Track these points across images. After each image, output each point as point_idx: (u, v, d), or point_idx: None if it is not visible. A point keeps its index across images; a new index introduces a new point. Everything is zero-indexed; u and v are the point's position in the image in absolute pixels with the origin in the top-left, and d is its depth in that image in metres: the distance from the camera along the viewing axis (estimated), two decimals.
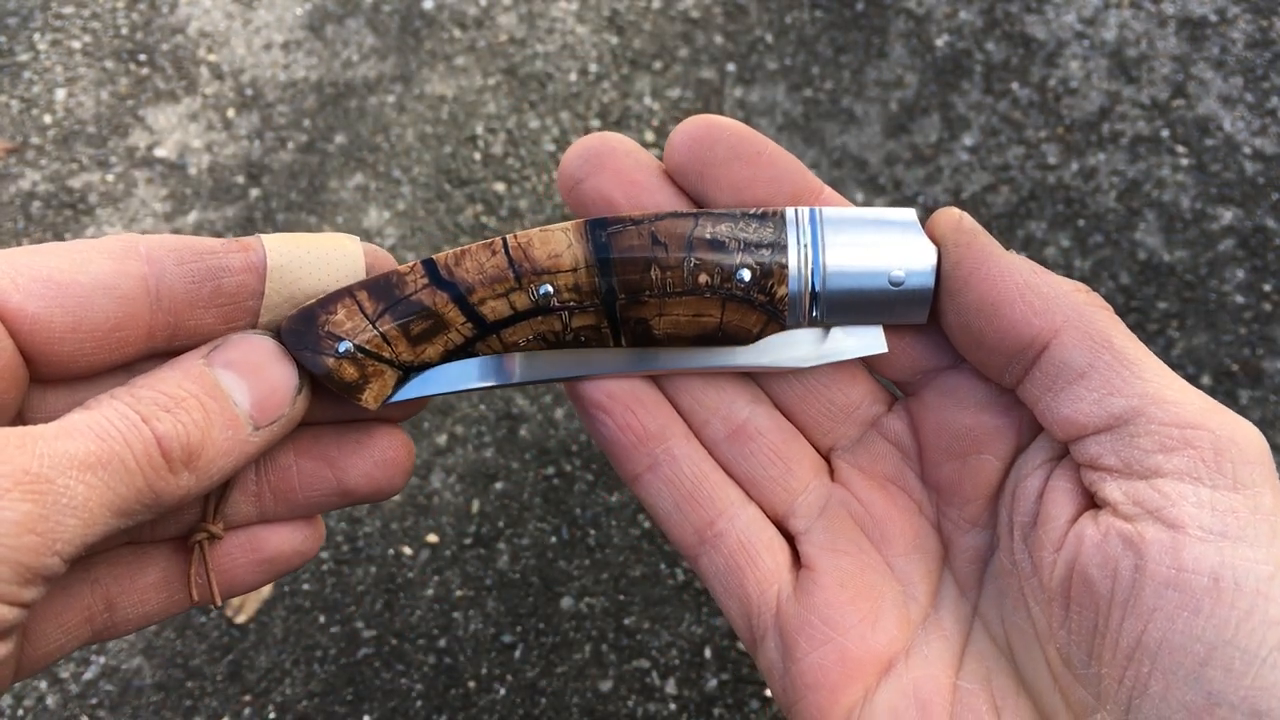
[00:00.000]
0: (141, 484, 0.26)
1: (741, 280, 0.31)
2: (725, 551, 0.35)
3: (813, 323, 0.33)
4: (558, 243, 0.31)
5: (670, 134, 0.34)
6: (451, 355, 0.32)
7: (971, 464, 0.34)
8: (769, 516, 0.36)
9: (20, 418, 0.30)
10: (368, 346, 0.31)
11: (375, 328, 0.31)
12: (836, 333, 0.33)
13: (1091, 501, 0.29)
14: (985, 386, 0.33)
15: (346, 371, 0.31)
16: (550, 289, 0.32)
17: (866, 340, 0.33)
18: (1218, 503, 0.27)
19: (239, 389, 0.29)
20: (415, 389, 0.33)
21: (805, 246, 0.32)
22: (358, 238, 0.33)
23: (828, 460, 0.37)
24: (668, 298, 0.32)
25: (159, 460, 0.27)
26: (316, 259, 0.32)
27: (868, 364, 0.36)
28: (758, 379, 0.36)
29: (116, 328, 0.29)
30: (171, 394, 0.28)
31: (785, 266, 0.31)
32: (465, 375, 0.33)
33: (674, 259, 0.31)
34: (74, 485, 0.24)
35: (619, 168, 0.33)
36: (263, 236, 0.32)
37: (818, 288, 0.32)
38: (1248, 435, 0.27)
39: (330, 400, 0.33)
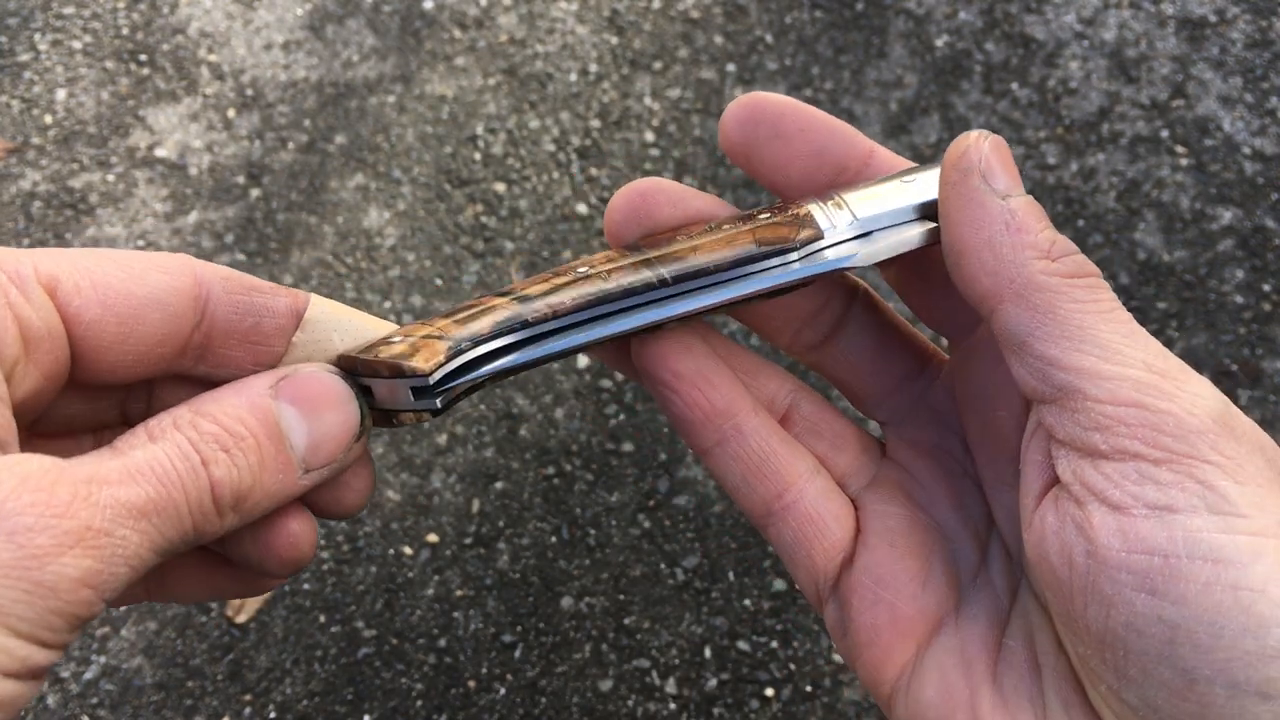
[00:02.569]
0: (188, 527, 0.26)
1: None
2: (794, 524, 0.35)
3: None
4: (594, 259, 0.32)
5: (722, 115, 0.34)
6: (501, 327, 0.31)
7: (993, 421, 0.33)
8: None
9: (42, 416, 0.30)
10: (415, 331, 0.31)
11: (425, 325, 0.31)
12: (879, 234, 0.32)
13: (1056, 475, 0.29)
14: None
15: (395, 347, 0.30)
16: (587, 268, 0.32)
17: (910, 233, 0.32)
18: (1159, 477, 0.26)
19: (298, 429, 0.29)
20: (466, 373, 0.31)
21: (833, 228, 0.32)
22: (398, 328, 0.33)
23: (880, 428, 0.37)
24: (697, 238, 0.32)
25: (209, 505, 0.26)
26: (352, 329, 0.32)
27: (915, 318, 0.35)
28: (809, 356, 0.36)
29: (160, 343, 0.29)
30: (232, 430, 0.27)
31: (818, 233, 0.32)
32: (512, 351, 0.32)
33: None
34: (130, 535, 0.24)
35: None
36: (314, 296, 0.32)
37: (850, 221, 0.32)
38: (1186, 405, 0.27)
39: None
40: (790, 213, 0.32)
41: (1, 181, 1.24)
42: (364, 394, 0.31)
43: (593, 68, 1.34)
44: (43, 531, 0.23)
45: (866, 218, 0.31)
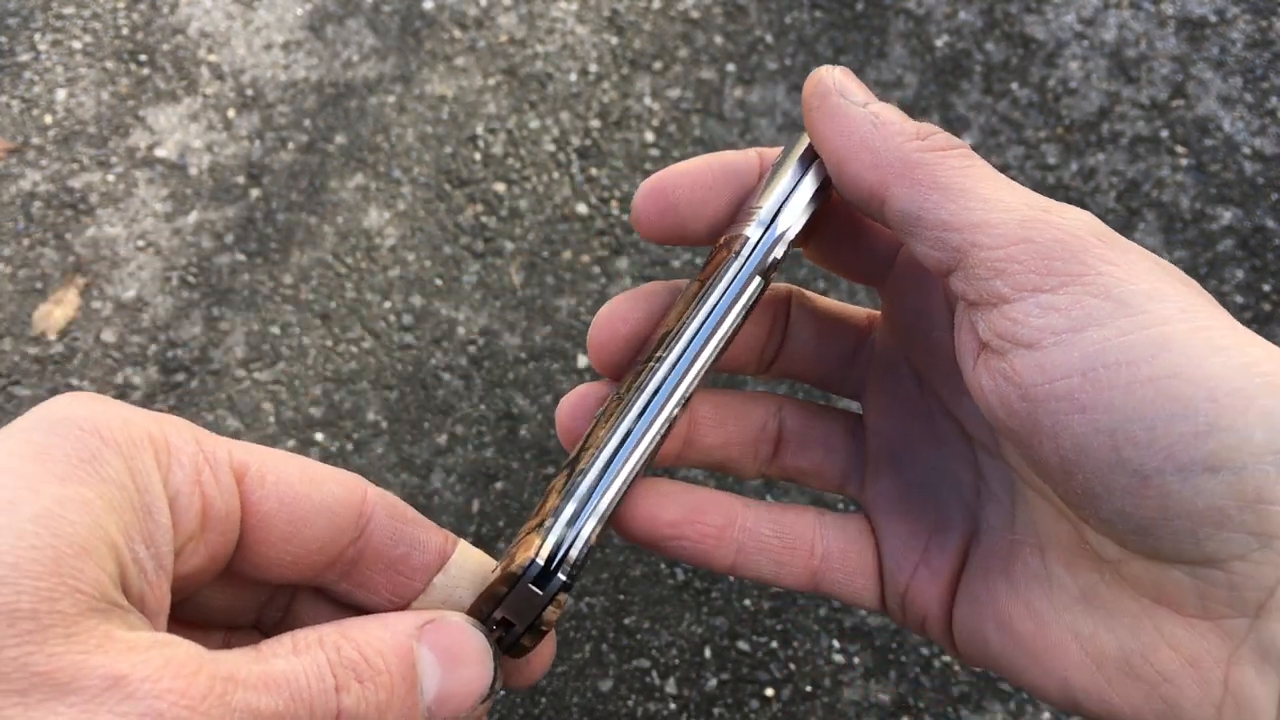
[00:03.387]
0: None
1: None
2: (836, 574, 0.37)
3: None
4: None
5: (633, 208, 0.35)
6: (566, 493, 0.32)
7: (933, 342, 0.35)
8: (831, 489, 0.39)
9: (186, 599, 0.31)
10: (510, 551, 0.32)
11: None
12: (785, 206, 0.34)
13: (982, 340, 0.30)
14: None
15: (501, 567, 0.31)
16: (601, 409, 0.34)
17: (805, 185, 0.34)
18: (1059, 304, 0.27)
19: (432, 676, 0.29)
20: (566, 543, 0.32)
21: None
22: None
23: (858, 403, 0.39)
24: None
25: None
26: (485, 580, 0.32)
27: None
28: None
29: (318, 550, 0.30)
30: (372, 661, 0.28)
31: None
32: (588, 501, 0.33)
33: None
34: None
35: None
36: (462, 542, 0.33)
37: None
38: (1071, 228, 0.28)
39: None
40: (718, 244, 0.34)
41: (1, 181, 1.24)
42: (501, 634, 0.31)
43: (593, 68, 1.34)
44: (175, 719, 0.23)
45: (769, 203, 0.33)
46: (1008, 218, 0.28)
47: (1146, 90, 1.34)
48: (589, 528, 0.31)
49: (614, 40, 1.36)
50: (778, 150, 0.35)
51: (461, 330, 1.17)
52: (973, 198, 0.29)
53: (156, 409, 0.95)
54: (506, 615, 0.31)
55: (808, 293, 0.38)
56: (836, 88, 0.32)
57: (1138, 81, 1.34)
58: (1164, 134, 1.30)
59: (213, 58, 1.34)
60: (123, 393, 1.13)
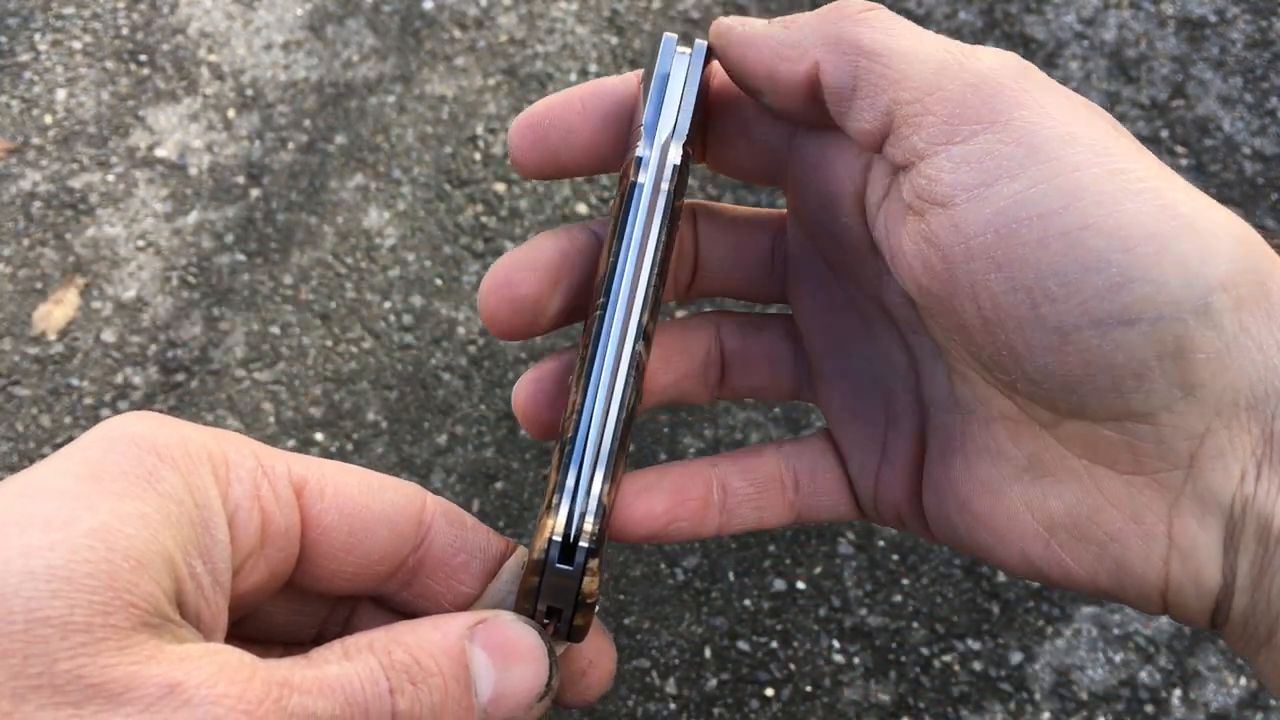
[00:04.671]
0: None
1: None
2: (811, 500, 0.36)
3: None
4: None
5: (509, 146, 0.34)
6: (564, 456, 0.32)
7: (843, 230, 0.34)
8: (787, 398, 0.38)
9: (249, 616, 0.30)
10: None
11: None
12: (664, 109, 0.33)
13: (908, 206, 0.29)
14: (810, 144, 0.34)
15: (593, 581, 0.31)
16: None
17: (678, 73, 0.33)
18: (970, 154, 0.26)
19: (486, 677, 0.28)
20: (579, 509, 0.32)
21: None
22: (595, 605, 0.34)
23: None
24: None
25: None
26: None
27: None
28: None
29: (379, 560, 0.30)
30: (423, 663, 0.27)
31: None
32: (585, 457, 0.33)
33: None
34: None
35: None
36: (520, 547, 0.33)
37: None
38: (984, 71, 0.27)
39: None
40: (621, 174, 0.33)
41: (1, 181, 1.24)
42: (555, 624, 0.31)
43: (593, 68, 1.34)
44: None
45: (649, 115, 0.32)
46: (923, 68, 0.27)
47: (1146, 90, 1.34)
48: (597, 487, 0.31)
49: (614, 40, 1.36)
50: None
51: (461, 330, 1.17)
52: (895, 55, 0.28)
53: (156, 409, 0.95)
54: (551, 604, 0.30)
55: (711, 204, 0.37)
56: (738, 22, 0.31)
57: (1138, 81, 1.34)
58: (1164, 134, 1.30)
59: (213, 58, 1.34)
60: (122, 393, 1.13)
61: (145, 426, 0.26)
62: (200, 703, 0.23)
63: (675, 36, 0.33)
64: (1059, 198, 0.25)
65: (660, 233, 0.32)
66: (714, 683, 0.99)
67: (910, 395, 0.34)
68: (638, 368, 0.31)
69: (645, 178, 0.32)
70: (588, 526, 0.30)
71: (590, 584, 0.30)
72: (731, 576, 1.03)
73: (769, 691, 0.98)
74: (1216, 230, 0.24)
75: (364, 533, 0.29)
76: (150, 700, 0.23)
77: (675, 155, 0.32)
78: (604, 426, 0.31)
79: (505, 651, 0.29)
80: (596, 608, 0.31)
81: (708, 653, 1.00)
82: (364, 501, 0.30)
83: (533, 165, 0.33)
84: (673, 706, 0.98)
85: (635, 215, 0.32)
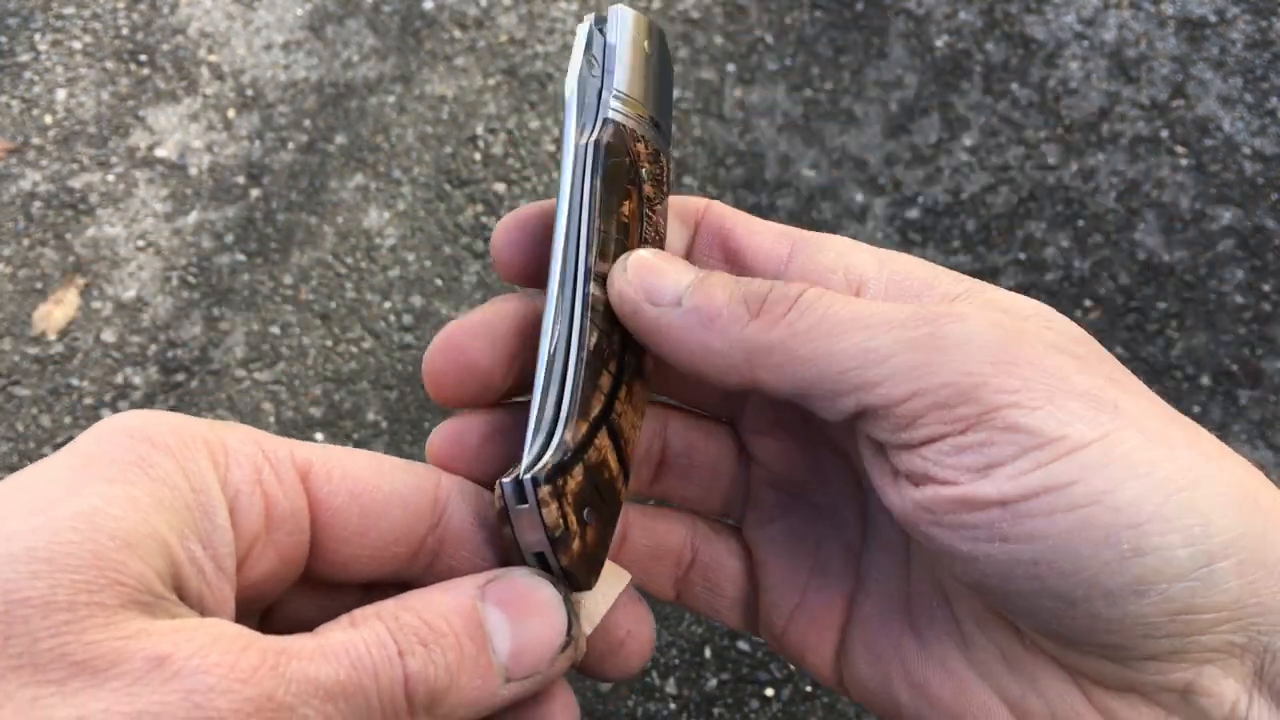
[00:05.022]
0: (376, 718, 0.25)
1: None
2: (698, 589, 0.36)
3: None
4: None
5: (492, 246, 0.33)
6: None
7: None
8: (711, 514, 0.37)
9: (271, 609, 0.30)
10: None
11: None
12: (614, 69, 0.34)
13: (893, 465, 0.29)
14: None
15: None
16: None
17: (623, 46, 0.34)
18: (968, 444, 0.26)
19: (501, 633, 0.28)
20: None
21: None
22: (629, 576, 0.33)
23: (739, 440, 0.37)
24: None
25: (401, 700, 0.26)
26: None
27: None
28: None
29: (396, 541, 0.29)
30: (434, 625, 0.27)
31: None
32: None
33: None
34: (312, 715, 0.24)
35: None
36: None
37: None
38: (959, 366, 0.26)
39: None
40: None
41: (1, 181, 1.24)
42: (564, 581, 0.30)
43: None
44: (223, 694, 0.22)
45: (585, 81, 0.33)
46: (888, 370, 0.27)
47: (1146, 90, 1.34)
48: (549, 426, 0.30)
49: None
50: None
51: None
52: (841, 358, 0.27)
53: (156, 409, 0.94)
54: (540, 552, 0.30)
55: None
56: (643, 295, 0.30)
57: (1138, 81, 1.34)
58: (1164, 134, 1.30)
59: (213, 58, 1.34)
60: (122, 392, 1.13)
61: (140, 419, 0.26)
62: (190, 673, 0.22)
63: (590, 22, 0.33)
64: (1068, 476, 0.25)
65: (590, 179, 0.32)
66: (714, 683, 0.99)
67: (849, 555, 0.34)
68: (592, 309, 0.31)
69: (582, 137, 0.32)
70: (544, 459, 0.29)
71: (550, 515, 0.29)
72: None
73: (769, 691, 0.98)
74: (1215, 499, 0.25)
75: (377, 514, 0.29)
76: (138, 674, 0.22)
77: (606, 109, 0.32)
78: (562, 371, 0.30)
79: (519, 605, 0.28)
80: (579, 545, 0.30)
81: (708, 653, 1.00)
82: (374, 483, 0.29)
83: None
84: (673, 706, 0.97)
85: (568, 171, 0.32)
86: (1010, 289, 0.31)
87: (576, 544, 0.30)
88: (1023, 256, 1.21)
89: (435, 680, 0.26)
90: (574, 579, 0.30)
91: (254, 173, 1.26)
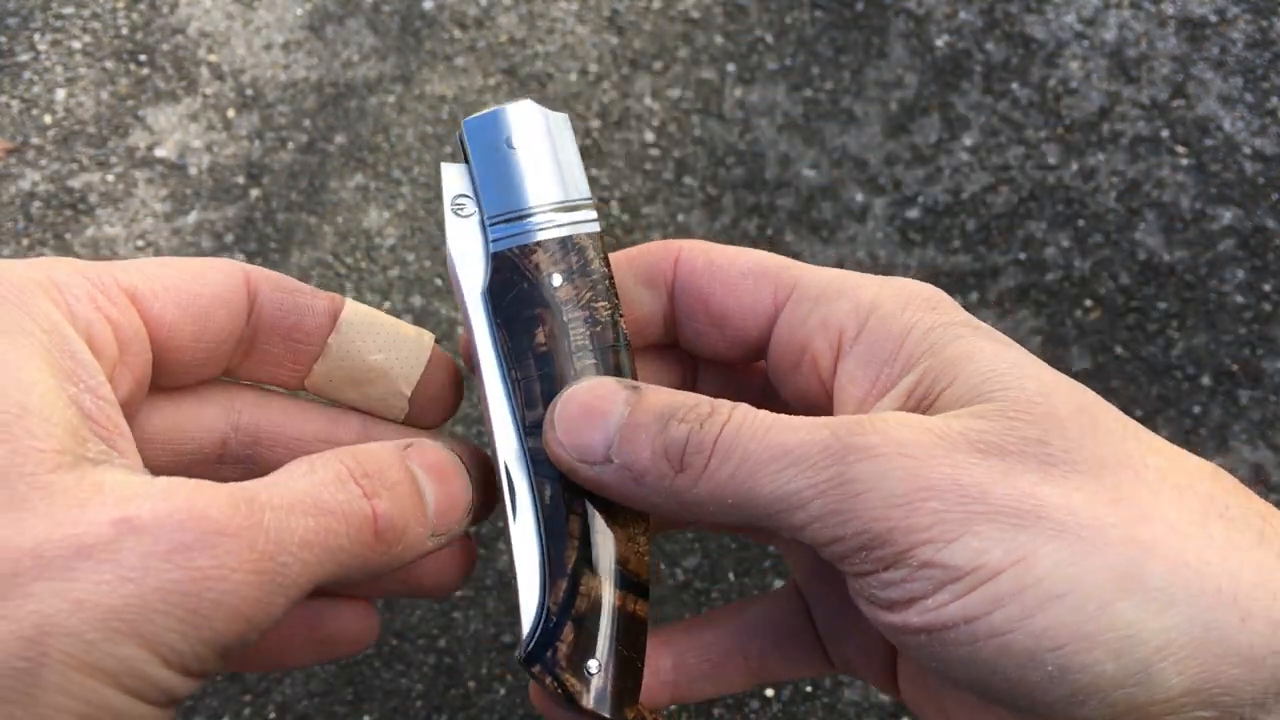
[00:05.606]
0: (348, 559, 0.26)
1: None
2: (776, 664, 0.40)
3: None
4: None
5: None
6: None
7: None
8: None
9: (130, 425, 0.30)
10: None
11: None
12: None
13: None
14: None
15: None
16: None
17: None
18: (894, 579, 0.27)
19: (429, 490, 0.29)
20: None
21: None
22: (433, 336, 0.34)
23: None
24: None
25: (369, 537, 0.26)
26: (386, 338, 0.33)
27: None
28: None
29: (225, 339, 0.30)
30: (387, 475, 0.28)
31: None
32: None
33: None
34: (291, 564, 0.24)
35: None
36: (348, 300, 0.33)
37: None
38: (865, 515, 0.27)
39: None
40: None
41: (1, 181, 1.24)
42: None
43: (593, 68, 1.34)
44: (203, 551, 0.22)
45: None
46: (806, 517, 0.27)
47: (1147, 90, 1.34)
48: (530, 602, 0.32)
49: (614, 40, 1.36)
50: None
51: (462, 331, 1.17)
52: (764, 502, 0.28)
53: None
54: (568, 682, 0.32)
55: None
56: (575, 455, 0.30)
57: (1138, 81, 1.34)
58: (1164, 134, 1.30)
59: (213, 58, 1.34)
60: None
61: None
62: (164, 532, 0.21)
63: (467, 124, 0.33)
64: (982, 606, 0.26)
65: (493, 330, 0.33)
66: None
67: None
68: (536, 461, 0.32)
69: (470, 292, 0.33)
70: (525, 640, 0.32)
71: (549, 686, 0.31)
72: (732, 576, 1.03)
73: (769, 691, 0.98)
74: (1147, 602, 0.25)
75: (205, 318, 0.30)
76: (106, 543, 0.21)
77: (490, 244, 0.32)
78: (526, 540, 0.32)
79: (438, 470, 0.30)
80: (594, 691, 0.32)
81: None
82: (195, 289, 0.30)
83: None
84: (673, 706, 0.97)
85: (470, 326, 0.34)
86: (1010, 289, 0.31)
87: (588, 695, 0.31)
88: (1023, 256, 1.21)
89: (399, 519, 0.27)
90: (606, 716, 0.32)
91: (254, 173, 1.26)
